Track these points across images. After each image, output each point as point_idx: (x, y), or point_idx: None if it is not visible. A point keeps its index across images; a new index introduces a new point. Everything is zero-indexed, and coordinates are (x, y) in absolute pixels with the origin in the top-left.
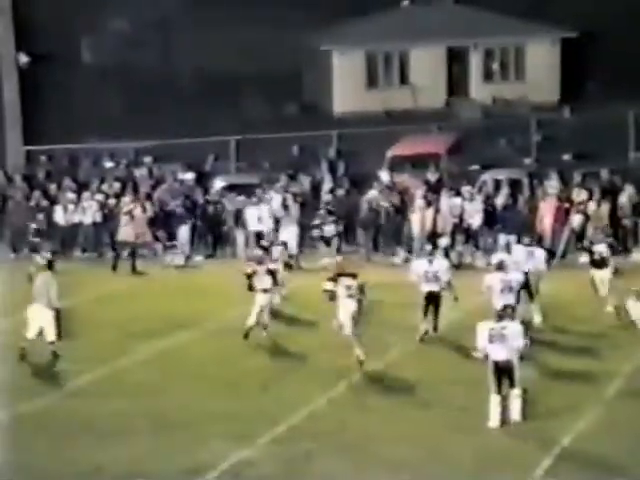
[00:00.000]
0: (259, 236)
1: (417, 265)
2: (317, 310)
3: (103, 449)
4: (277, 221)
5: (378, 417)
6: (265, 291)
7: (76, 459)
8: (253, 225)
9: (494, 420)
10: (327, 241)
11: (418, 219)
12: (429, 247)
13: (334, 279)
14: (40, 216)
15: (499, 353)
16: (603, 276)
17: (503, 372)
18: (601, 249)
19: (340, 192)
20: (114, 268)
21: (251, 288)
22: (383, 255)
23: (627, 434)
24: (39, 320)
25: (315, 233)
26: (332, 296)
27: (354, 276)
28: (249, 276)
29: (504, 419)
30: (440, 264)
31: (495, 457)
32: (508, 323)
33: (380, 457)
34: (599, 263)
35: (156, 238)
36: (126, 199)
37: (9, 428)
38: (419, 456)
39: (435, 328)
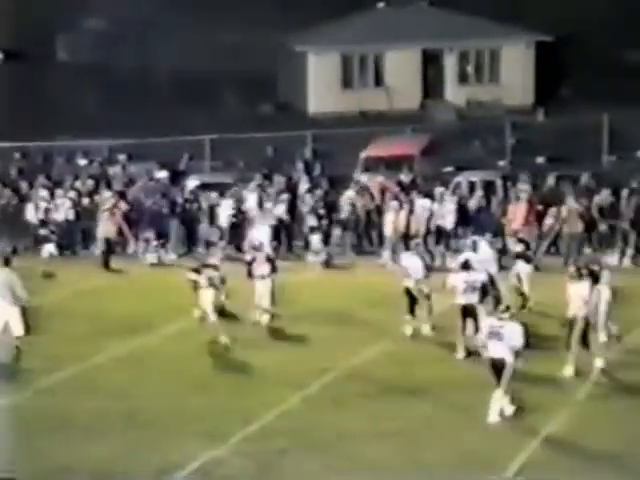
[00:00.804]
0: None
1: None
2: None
3: (73, 448)
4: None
5: (353, 415)
6: (263, 277)
7: (45, 457)
8: (225, 219)
9: (493, 415)
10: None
11: (391, 220)
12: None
13: (198, 270)
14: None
15: (494, 350)
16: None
17: (498, 369)
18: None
19: (318, 192)
20: (106, 265)
21: (250, 274)
22: (360, 255)
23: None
24: (3, 316)
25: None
26: (195, 286)
27: (216, 267)
28: (248, 264)
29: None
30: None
31: (474, 455)
32: (506, 322)
33: (353, 456)
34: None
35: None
36: (107, 194)
37: None
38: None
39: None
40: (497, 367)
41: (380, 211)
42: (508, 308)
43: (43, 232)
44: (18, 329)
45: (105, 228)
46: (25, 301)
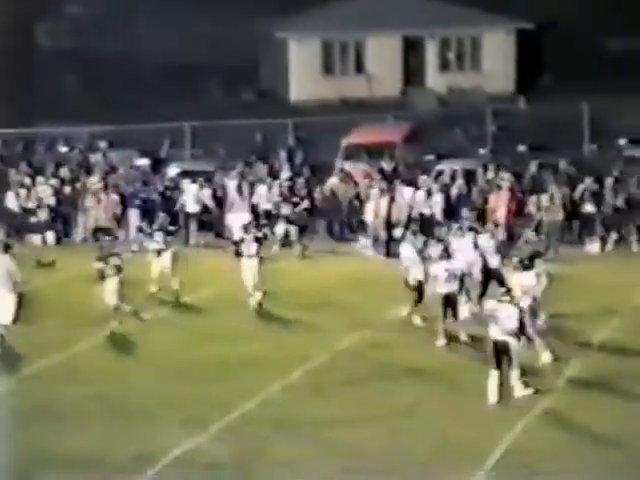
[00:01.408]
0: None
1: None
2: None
3: (57, 435)
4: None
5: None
6: (250, 257)
7: (27, 445)
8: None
9: (492, 396)
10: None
11: (372, 208)
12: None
13: (104, 259)
14: None
15: (495, 333)
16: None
17: (501, 351)
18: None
19: (300, 180)
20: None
21: (238, 254)
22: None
23: None
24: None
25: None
26: (101, 275)
27: (119, 255)
28: (236, 243)
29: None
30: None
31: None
32: (501, 305)
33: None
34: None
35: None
36: (92, 179)
37: None
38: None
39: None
40: (500, 350)
41: (360, 198)
42: (509, 291)
43: (34, 219)
44: (7, 317)
45: (97, 216)
46: (20, 290)
